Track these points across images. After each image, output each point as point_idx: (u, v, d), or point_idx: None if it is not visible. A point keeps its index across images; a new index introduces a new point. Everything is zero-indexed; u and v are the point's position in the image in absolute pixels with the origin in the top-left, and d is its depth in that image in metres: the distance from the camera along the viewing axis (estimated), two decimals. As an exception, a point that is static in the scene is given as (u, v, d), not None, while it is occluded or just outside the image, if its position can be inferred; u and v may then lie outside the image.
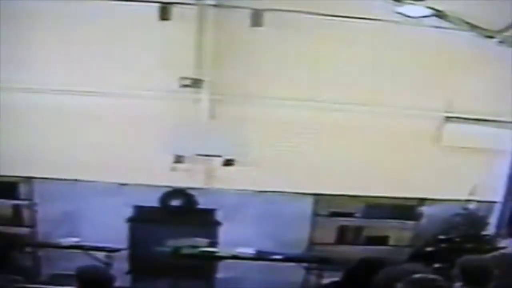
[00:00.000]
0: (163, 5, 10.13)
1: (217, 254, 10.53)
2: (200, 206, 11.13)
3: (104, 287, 6.26)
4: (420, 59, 10.58)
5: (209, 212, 11.04)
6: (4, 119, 10.15)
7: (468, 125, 10.98)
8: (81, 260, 9.39)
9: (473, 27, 10.31)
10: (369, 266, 6.50)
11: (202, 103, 10.68)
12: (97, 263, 9.66)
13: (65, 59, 10.34)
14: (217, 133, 10.60)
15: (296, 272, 10.78)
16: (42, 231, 10.68)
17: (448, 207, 10.98)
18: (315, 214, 11.15)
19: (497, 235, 10.88)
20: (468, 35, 10.40)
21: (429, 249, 10.48)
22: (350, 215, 11.31)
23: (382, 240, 11.30)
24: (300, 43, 10.53)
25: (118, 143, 10.44)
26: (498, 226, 11.08)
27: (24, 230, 10.75)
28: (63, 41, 10.27)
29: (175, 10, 10.15)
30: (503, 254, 6.07)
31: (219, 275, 10.95)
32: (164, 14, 10.12)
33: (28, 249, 10.31)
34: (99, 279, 6.23)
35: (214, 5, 10.22)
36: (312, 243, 11.12)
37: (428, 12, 10.07)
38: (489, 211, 11.10)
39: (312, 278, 10.70)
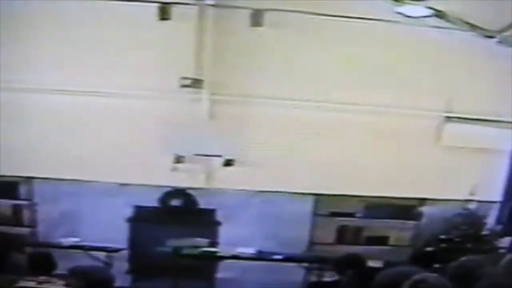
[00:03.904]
0: (163, 5, 10.13)
1: (217, 254, 10.52)
2: (200, 206, 11.13)
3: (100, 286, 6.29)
4: (420, 59, 10.58)
5: (209, 212, 11.05)
6: (4, 119, 10.15)
7: (468, 125, 10.98)
8: (81, 260, 9.42)
9: (473, 27, 10.30)
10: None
11: (202, 103, 10.68)
12: (96, 263, 9.73)
13: (65, 59, 10.33)
14: (217, 133, 10.60)
15: (296, 272, 10.78)
16: (42, 231, 10.69)
17: (448, 207, 10.98)
18: (315, 214, 11.15)
19: (497, 235, 10.87)
20: (468, 35, 10.39)
21: (429, 249, 10.48)
22: (350, 215, 11.31)
23: (382, 240, 11.31)
24: (300, 43, 10.52)
25: (118, 143, 10.44)
26: (498, 226, 11.08)
27: (24, 230, 10.75)
28: (63, 41, 10.27)
29: (175, 10, 10.15)
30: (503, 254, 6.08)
31: (219, 275, 10.95)
32: (164, 14, 10.12)
33: (28, 249, 10.30)
34: (99, 279, 6.26)
35: (214, 5, 10.21)
36: (312, 243, 11.13)
37: (428, 12, 10.07)
38: (489, 211, 11.10)
39: (312, 278, 10.70)
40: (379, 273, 4.67)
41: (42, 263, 6.34)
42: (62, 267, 6.76)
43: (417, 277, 4.11)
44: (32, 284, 6.02)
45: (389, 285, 4.29)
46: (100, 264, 9.87)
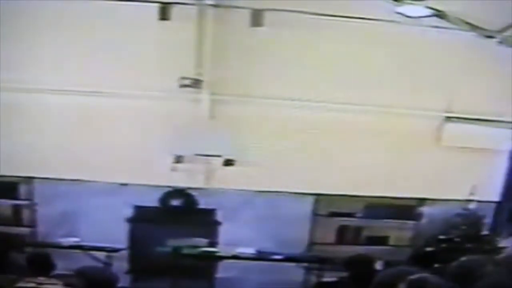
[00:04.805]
0: (163, 5, 10.12)
1: (217, 254, 10.53)
2: (200, 206, 11.14)
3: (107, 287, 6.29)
4: (420, 59, 10.58)
5: (209, 212, 11.06)
6: (4, 119, 10.15)
7: (468, 125, 10.99)
8: (81, 260, 9.41)
9: (473, 27, 10.30)
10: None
11: (202, 103, 10.68)
12: (97, 263, 9.72)
13: (65, 59, 10.33)
14: (217, 133, 10.60)
15: (296, 272, 10.78)
16: (42, 231, 10.69)
17: (448, 207, 10.99)
18: (315, 214, 11.16)
19: (497, 235, 10.88)
20: (468, 35, 10.39)
21: (429, 249, 10.48)
22: (350, 215, 11.32)
23: (382, 240, 11.32)
24: (300, 43, 10.52)
25: (118, 143, 10.44)
26: (498, 226, 11.08)
27: (24, 230, 10.75)
28: (63, 41, 10.26)
29: (175, 10, 10.14)
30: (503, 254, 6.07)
31: (219, 275, 10.96)
32: (164, 14, 10.12)
33: (28, 249, 10.30)
34: (103, 280, 6.26)
35: (214, 5, 10.21)
36: (312, 243, 11.14)
37: (428, 12, 10.06)
38: (489, 211, 11.10)
39: (312, 278, 10.70)
40: (378, 273, 4.67)
41: (40, 264, 6.34)
42: (62, 267, 6.76)
43: (413, 277, 4.11)
44: (31, 284, 6.02)
45: (388, 285, 4.29)
46: (104, 265, 9.85)
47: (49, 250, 7.48)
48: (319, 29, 10.39)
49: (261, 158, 10.57)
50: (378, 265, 7.95)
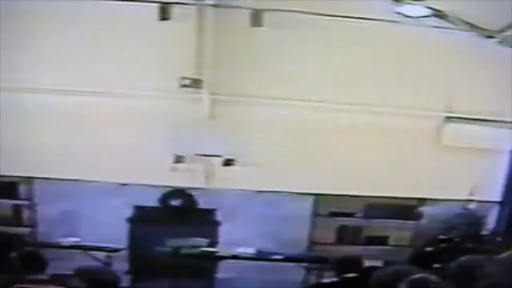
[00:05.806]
0: (163, 5, 10.13)
1: (217, 254, 10.53)
2: (200, 206, 11.14)
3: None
4: (420, 59, 10.58)
5: (209, 212, 11.05)
6: (4, 119, 10.15)
7: (468, 125, 10.99)
8: (81, 260, 9.41)
9: (473, 27, 10.31)
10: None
11: (202, 103, 10.69)
12: (97, 263, 9.71)
13: (65, 59, 10.34)
14: (217, 133, 10.60)
15: (296, 272, 10.78)
16: (42, 231, 10.69)
17: (448, 207, 10.98)
18: (315, 214, 11.16)
19: (497, 235, 10.88)
20: (468, 35, 10.40)
21: (429, 249, 10.47)
22: (350, 215, 11.32)
23: (382, 240, 11.32)
24: (300, 43, 10.52)
25: (118, 143, 10.44)
26: (498, 226, 11.08)
27: (24, 230, 10.75)
28: (63, 41, 10.27)
29: (175, 10, 10.15)
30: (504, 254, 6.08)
31: (219, 275, 10.96)
32: (164, 14, 10.12)
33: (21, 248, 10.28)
34: (104, 280, 6.24)
35: (214, 5, 10.21)
36: (312, 243, 11.13)
37: (428, 12, 10.07)
38: (489, 211, 11.11)
39: (312, 278, 10.70)
40: (376, 272, 4.68)
41: (33, 262, 6.32)
42: (62, 267, 6.76)
43: (413, 277, 4.12)
44: (30, 284, 6.00)
45: (388, 285, 4.30)
46: (104, 265, 9.84)
47: (45, 249, 7.46)
48: (319, 29, 10.39)
49: (261, 158, 10.57)
50: (368, 264, 7.94)
